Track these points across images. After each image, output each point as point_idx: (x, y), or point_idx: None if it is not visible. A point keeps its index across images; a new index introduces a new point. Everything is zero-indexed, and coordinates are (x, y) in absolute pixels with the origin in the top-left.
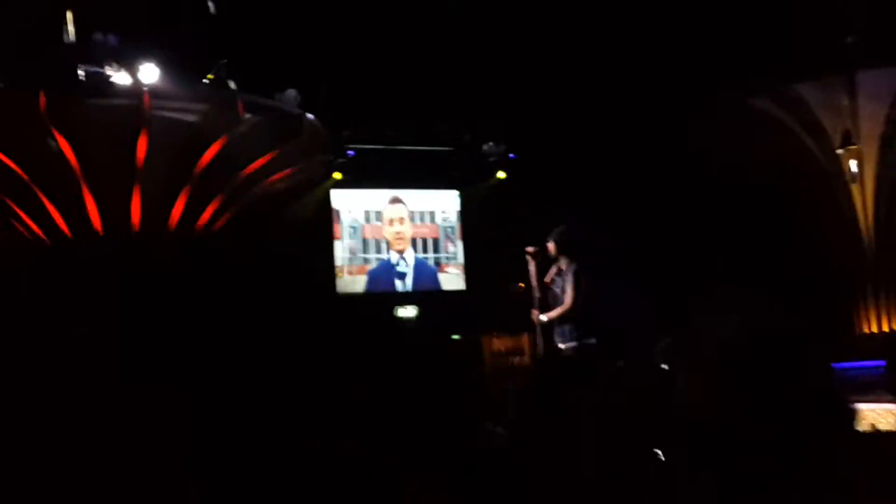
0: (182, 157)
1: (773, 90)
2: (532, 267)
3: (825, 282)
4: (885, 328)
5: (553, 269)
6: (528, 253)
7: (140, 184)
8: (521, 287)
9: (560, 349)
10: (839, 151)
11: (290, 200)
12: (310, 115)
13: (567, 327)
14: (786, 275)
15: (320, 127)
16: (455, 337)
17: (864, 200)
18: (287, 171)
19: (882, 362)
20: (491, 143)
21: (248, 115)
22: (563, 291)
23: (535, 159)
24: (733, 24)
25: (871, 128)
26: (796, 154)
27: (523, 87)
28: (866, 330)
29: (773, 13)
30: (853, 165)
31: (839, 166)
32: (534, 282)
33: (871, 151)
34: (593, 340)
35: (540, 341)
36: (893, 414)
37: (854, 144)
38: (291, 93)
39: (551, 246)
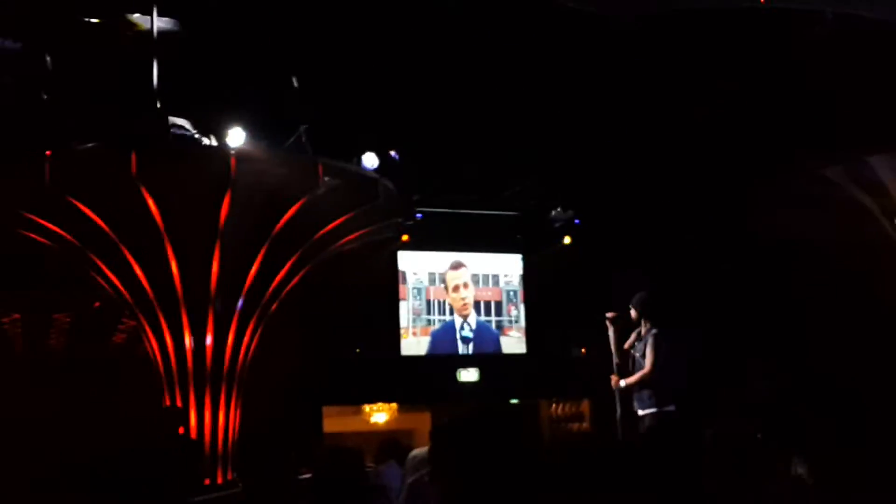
0: (262, 218)
1: (845, 162)
2: (611, 332)
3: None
4: None
5: (633, 336)
6: (608, 318)
7: (221, 243)
8: (583, 352)
9: (638, 416)
10: None
11: (359, 262)
12: (386, 180)
13: (646, 393)
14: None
15: (395, 191)
16: (513, 401)
17: None
18: (360, 232)
19: None
20: (559, 209)
21: (327, 179)
22: (644, 356)
23: (602, 226)
24: (805, 96)
25: None
26: (868, 225)
27: (592, 155)
28: None
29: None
30: None
31: None
32: (613, 347)
33: None
34: (672, 407)
35: (618, 407)
36: None
37: None
38: (370, 157)
39: (633, 312)
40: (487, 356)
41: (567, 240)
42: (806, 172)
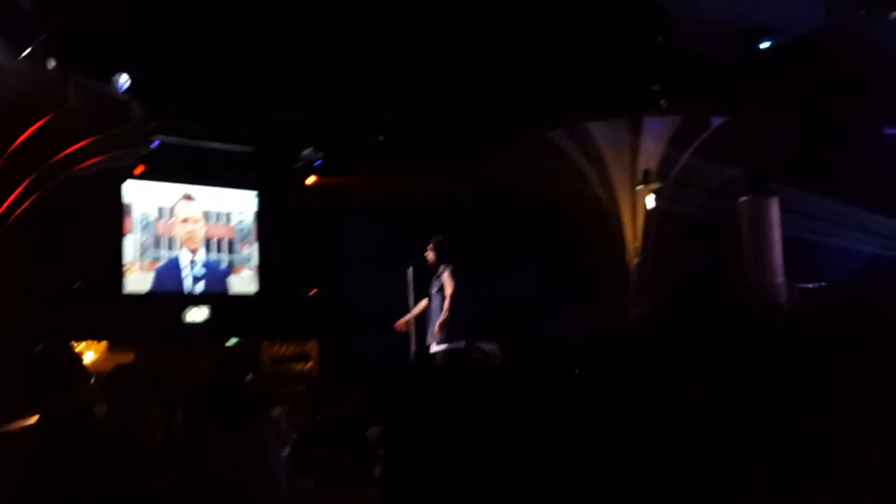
0: None
1: (567, 127)
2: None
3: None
4: None
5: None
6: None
7: None
8: (314, 292)
9: (431, 352)
10: (639, 187)
11: (87, 190)
12: (136, 103)
13: (438, 329)
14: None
15: (144, 116)
16: (232, 341)
17: (634, 230)
18: (101, 157)
19: None
20: (311, 148)
21: (75, 97)
22: (439, 292)
23: (342, 168)
24: (542, 66)
25: (646, 164)
26: (581, 184)
27: (338, 99)
28: None
29: (577, 59)
30: (650, 201)
31: (615, 198)
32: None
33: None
34: (463, 343)
35: (413, 345)
36: None
37: (653, 182)
38: (122, 78)
39: (430, 254)
40: (217, 295)
41: (311, 179)
42: (536, 135)
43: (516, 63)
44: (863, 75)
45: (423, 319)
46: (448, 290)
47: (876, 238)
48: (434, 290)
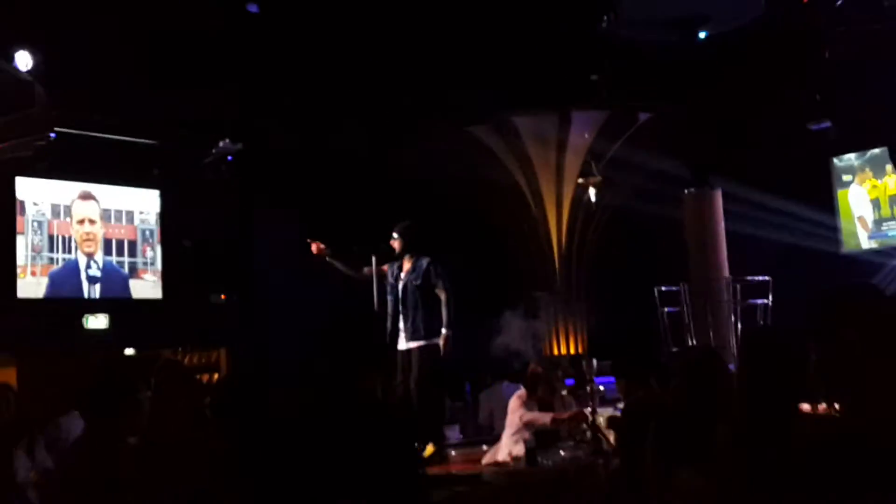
0: None
1: (491, 120)
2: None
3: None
4: (572, 351)
5: (390, 267)
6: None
7: None
8: (223, 298)
9: (402, 348)
10: (580, 180)
11: None
12: (39, 87)
13: (421, 324)
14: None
15: (48, 101)
16: (129, 351)
17: (559, 225)
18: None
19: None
20: (226, 141)
21: None
22: (420, 287)
23: (252, 165)
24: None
25: (573, 159)
26: (506, 180)
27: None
28: (555, 352)
29: (503, 49)
30: (592, 194)
31: (540, 192)
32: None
33: (571, 178)
34: (437, 340)
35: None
36: None
37: (594, 175)
38: (23, 56)
39: (397, 243)
40: (117, 301)
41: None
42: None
43: (445, 52)
44: (798, 68)
45: (383, 314)
46: (443, 293)
47: (800, 228)
48: (411, 283)
